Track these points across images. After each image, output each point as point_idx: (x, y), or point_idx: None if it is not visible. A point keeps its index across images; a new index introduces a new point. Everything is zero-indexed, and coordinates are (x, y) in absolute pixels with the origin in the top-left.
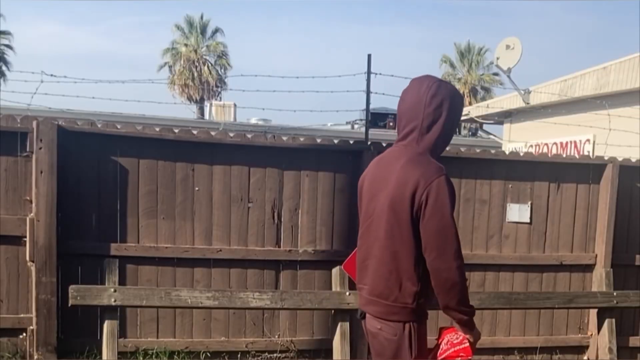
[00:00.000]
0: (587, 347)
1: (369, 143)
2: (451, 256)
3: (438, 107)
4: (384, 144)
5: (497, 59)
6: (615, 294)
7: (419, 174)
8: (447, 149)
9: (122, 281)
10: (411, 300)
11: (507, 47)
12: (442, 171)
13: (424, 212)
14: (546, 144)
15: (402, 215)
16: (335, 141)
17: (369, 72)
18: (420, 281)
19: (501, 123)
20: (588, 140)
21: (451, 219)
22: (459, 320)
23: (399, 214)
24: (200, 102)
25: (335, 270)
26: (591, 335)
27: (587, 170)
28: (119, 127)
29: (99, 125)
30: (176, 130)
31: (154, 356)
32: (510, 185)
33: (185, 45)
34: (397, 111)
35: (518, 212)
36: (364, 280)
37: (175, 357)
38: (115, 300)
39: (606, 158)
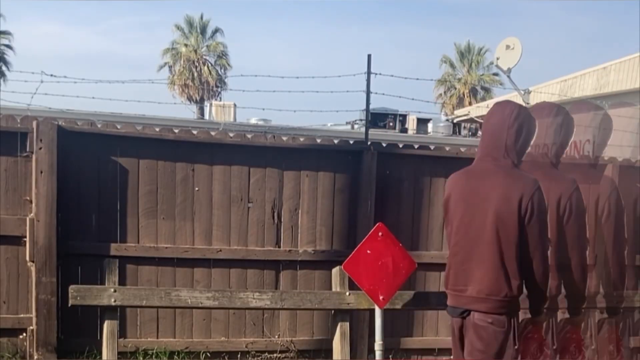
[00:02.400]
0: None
1: (368, 143)
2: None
3: (519, 127)
4: (384, 144)
5: (497, 59)
6: (615, 294)
7: (522, 187)
8: (447, 149)
9: (122, 281)
10: (517, 294)
11: (507, 47)
12: (537, 183)
13: (529, 219)
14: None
15: (509, 223)
16: (335, 141)
17: (368, 72)
18: (521, 277)
19: None
20: (588, 140)
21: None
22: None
23: (506, 222)
24: (200, 102)
25: (335, 270)
26: (591, 335)
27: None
28: (119, 127)
29: (99, 126)
30: (176, 131)
31: (154, 356)
32: None
33: (185, 45)
34: (482, 130)
35: None
36: (466, 281)
37: (175, 357)
38: (115, 301)
39: (606, 158)
